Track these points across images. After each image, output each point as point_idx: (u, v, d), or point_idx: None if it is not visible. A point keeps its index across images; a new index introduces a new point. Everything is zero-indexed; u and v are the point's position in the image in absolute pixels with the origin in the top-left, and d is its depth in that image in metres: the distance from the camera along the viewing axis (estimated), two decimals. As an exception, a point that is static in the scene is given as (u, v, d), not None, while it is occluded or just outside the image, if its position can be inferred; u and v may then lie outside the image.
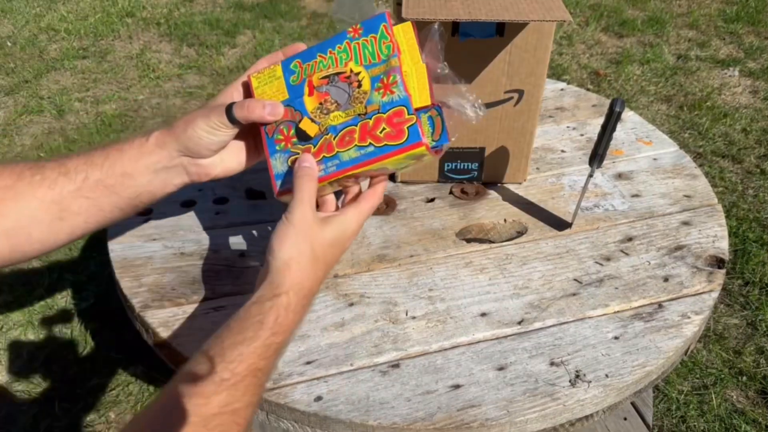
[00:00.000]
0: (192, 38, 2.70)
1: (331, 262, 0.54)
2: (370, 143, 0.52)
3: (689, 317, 0.64)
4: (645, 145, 0.93)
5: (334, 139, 0.53)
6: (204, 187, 0.85)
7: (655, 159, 0.90)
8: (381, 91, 0.52)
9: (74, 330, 1.32)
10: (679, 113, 2.11)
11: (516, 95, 0.75)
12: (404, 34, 0.53)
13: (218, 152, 0.56)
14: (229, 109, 0.54)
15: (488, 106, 0.76)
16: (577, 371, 0.58)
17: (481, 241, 0.75)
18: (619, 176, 0.86)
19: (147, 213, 0.80)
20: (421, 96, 0.52)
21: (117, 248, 0.74)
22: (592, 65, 2.44)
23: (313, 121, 0.54)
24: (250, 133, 0.59)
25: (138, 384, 1.20)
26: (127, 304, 0.68)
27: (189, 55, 2.56)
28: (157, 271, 0.70)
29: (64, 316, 1.35)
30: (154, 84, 2.34)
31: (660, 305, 0.65)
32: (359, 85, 0.53)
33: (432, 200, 0.82)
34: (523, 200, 0.82)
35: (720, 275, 0.69)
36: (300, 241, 0.50)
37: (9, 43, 2.64)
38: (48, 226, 0.52)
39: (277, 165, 0.57)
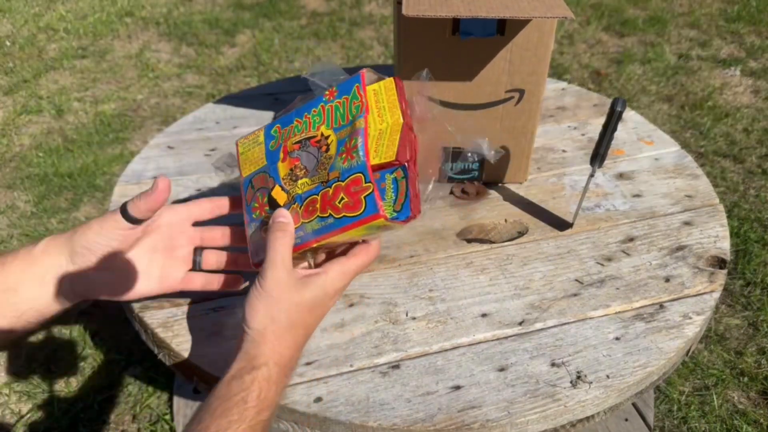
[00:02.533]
0: (191, 37, 2.69)
1: (312, 325, 0.50)
2: (330, 214, 0.48)
3: (690, 318, 0.64)
4: (646, 144, 0.93)
5: (299, 208, 0.50)
6: (203, 187, 0.85)
7: (656, 159, 0.90)
8: (343, 156, 0.48)
9: (73, 331, 1.31)
10: (681, 113, 2.10)
11: (517, 94, 0.75)
12: (386, 91, 0.50)
13: (108, 264, 0.52)
14: (124, 207, 0.51)
15: (488, 105, 0.76)
16: (578, 372, 0.58)
17: (481, 241, 0.75)
18: (621, 176, 0.86)
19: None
20: (387, 152, 0.47)
21: (116, 248, 0.74)
22: (593, 65, 2.43)
23: (282, 188, 0.52)
24: (153, 261, 0.55)
25: (137, 385, 1.20)
26: (126, 305, 0.67)
27: (188, 54, 2.56)
28: (156, 272, 0.70)
29: (63, 317, 1.35)
30: (153, 83, 2.34)
31: (661, 306, 0.65)
32: (327, 149, 0.50)
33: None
34: (523, 200, 0.81)
35: (721, 276, 0.69)
36: (273, 309, 0.47)
37: (8, 43, 2.64)
38: None
39: (253, 234, 0.54)
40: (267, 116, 1.02)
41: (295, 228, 0.50)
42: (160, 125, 2.07)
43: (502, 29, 0.69)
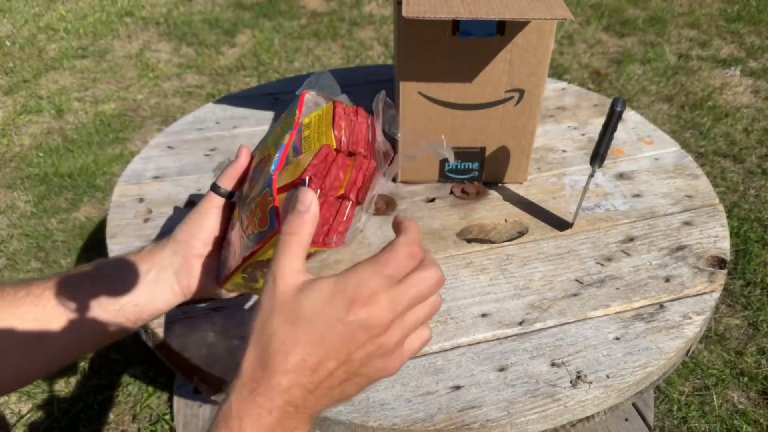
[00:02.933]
0: (191, 37, 2.69)
1: (309, 343, 0.35)
2: (252, 231, 0.46)
3: (690, 318, 0.64)
4: (646, 144, 0.93)
5: (242, 226, 0.50)
6: (203, 187, 0.85)
7: (656, 159, 0.90)
8: (266, 171, 0.48)
9: (73, 330, 1.31)
10: (681, 113, 2.10)
11: (517, 95, 0.75)
12: (326, 115, 0.48)
13: (212, 249, 0.53)
14: (214, 185, 0.53)
15: (488, 105, 0.76)
16: (578, 372, 0.58)
17: (481, 241, 0.75)
18: (621, 176, 0.86)
19: (146, 221, 0.80)
20: (298, 171, 0.44)
21: (116, 248, 0.74)
22: (593, 65, 2.43)
23: (240, 209, 0.52)
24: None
25: (137, 385, 1.20)
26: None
27: (188, 54, 2.56)
28: (156, 272, 0.70)
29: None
30: (153, 83, 2.34)
31: (661, 306, 0.65)
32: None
33: (432, 200, 0.81)
34: (523, 200, 0.81)
35: (721, 276, 0.69)
36: (258, 330, 0.36)
37: (8, 43, 2.64)
38: (25, 350, 0.45)
39: (223, 251, 0.54)
40: (267, 116, 1.02)
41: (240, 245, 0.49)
42: (160, 125, 2.07)
43: (502, 30, 0.69)
